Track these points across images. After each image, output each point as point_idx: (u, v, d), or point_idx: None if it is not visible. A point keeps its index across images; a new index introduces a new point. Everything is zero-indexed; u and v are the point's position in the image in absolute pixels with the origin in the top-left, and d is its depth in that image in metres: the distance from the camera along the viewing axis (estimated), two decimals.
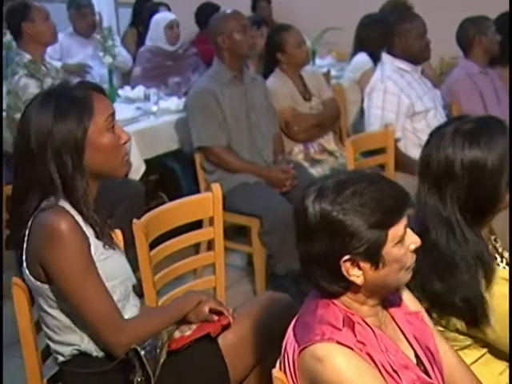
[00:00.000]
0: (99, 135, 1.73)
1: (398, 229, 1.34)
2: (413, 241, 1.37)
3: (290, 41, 3.76)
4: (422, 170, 1.63)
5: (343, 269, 1.35)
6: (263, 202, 3.30)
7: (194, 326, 1.86)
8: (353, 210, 1.31)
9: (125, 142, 1.80)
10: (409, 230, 1.37)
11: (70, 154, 1.70)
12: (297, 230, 1.38)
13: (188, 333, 1.84)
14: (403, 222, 1.35)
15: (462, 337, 1.62)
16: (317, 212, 1.33)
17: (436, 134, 1.63)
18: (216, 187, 2.37)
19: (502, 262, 1.66)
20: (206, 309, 1.87)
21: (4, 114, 3.66)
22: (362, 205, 1.32)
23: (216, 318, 1.87)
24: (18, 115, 3.35)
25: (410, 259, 1.38)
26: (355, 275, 1.35)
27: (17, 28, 3.50)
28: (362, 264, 1.35)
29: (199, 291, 2.02)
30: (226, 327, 1.88)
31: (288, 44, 3.76)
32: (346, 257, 1.34)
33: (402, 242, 1.35)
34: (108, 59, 4.13)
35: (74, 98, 1.72)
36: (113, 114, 1.77)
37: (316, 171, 3.73)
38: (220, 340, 1.87)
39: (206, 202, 2.35)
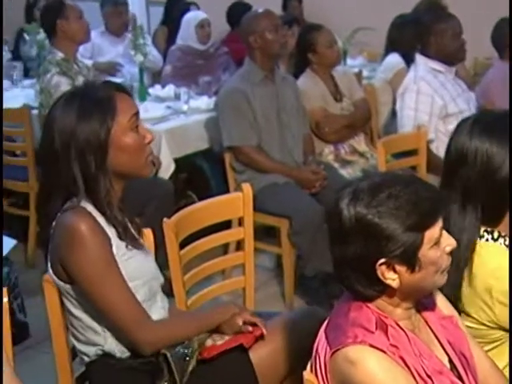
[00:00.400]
0: (123, 135, 1.74)
1: (433, 231, 1.33)
2: (448, 243, 1.37)
3: (322, 41, 3.75)
4: (444, 159, 1.68)
5: (379, 272, 1.34)
6: (293, 203, 3.29)
7: (226, 337, 1.86)
8: (388, 213, 1.31)
9: (149, 142, 1.80)
10: (444, 232, 1.36)
11: (93, 154, 1.71)
12: (330, 232, 1.38)
13: (220, 342, 1.84)
14: (439, 224, 1.34)
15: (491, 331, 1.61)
16: (352, 215, 1.33)
17: (459, 124, 1.68)
18: (247, 187, 2.37)
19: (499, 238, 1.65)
20: (240, 321, 1.86)
21: (36, 111, 3.71)
22: (397, 208, 1.31)
23: (250, 328, 1.86)
24: None
25: (446, 261, 1.37)
26: (391, 278, 1.34)
27: (51, 25, 3.53)
28: (397, 267, 1.34)
29: (233, 303, 2.01)
30: (258, 338, 1.87)
31: (319, 44, 3.75)
32: (382, 260, 1.33)
33: (438, 244, 1.35)
34: (139, 58, 4.15)
35: (98, 98, 1.73)
36: (136, 114, 1.78)
37: (346, 172, 3.72)
38: (251, 351, 1.86)
39: (237, 202, 2.35)
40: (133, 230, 1.83)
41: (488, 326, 1.62)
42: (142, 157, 1.79)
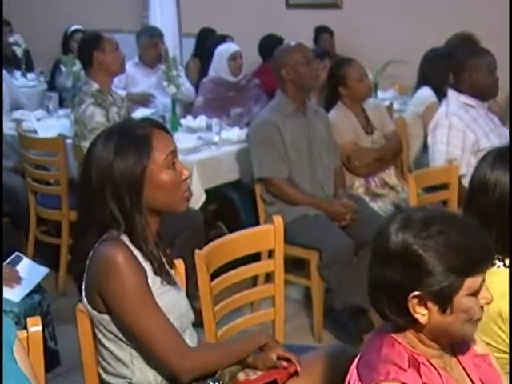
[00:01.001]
0: (159, 173, 1.76)
1: (475, 280, 1.32)
2: (485, 297, 1.35)
3: (352, 75, 3.77)
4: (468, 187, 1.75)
5: (410, 304, 1.33)
6: (323, 235, 3.30)
7: (259, 372, 1.85)
8: (434, 248, 1.31)
9: (185, 179, 1.82)
10: (484, 285, 1.35)
11: (129, 192, 1.73)
12: (374, 252, 1.38)
13: (253, 377, 1.83)
14: (482, 275, 1.33)
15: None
16: (399, 241, 1.33)
17: (484, 155, 1.77)
18: (278, 219, 2.38)
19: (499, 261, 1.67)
20: (274, 356, 1.86)
21: (70, 141, 3.78)
22: (445, 246, 1.31)
23: (285, 364, 1.85)
24: (84, 143, 3.46)
25: (478, 314, 1.36)
26: (420, 313, 1.34)
27: (88, 57, 3.60)
28: (429, 304, 1.33)
29: (264, 332, 2.01)
30: (292, 375, 1.86)
31: (350, 78, 3.77)
32: (416, 292, 1.33)
33: (476, 295, 1.34)
34: (172, 89, 4.21)
35: (135, 136, 1.75)
36: (174, 152, 1.80)
37: (377, 205, 3.71)
38: None
39: (268, 234, 2.36)
40: (167, 265, 1.84)
41: (506, 352, 1.61)
42: (177, 193, 1.81)
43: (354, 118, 3.83)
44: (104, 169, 1.72)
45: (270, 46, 5.22)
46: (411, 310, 1.34)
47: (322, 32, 6.28)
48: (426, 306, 1.34)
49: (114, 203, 1.72)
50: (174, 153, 1.80)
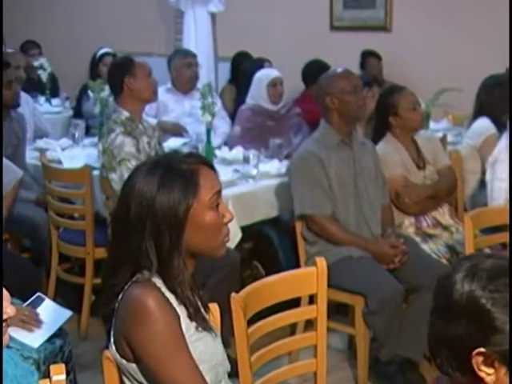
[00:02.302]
0: (202, 213, 1.77)
1: None
2: None
3: (404, 103, 3.79)
4: None
5: (474, 361, 1.31)
6: (369, 279, 3.28)
7: None
8: (504, 303, 1.28)
9: (227, 222, 1.83)
10: None
11: (169, 231, 1.74)
12: (435, 302, 1.36)
13: None
14: None
15: None
16: (464, 292, 1.31)
17: None
18: (321, 261, 2.38)
19: None
20: None
21: (97, 172, 3.84)
22: None
23: None
24: (112, 175, 3.52)
25: None
26: (486, 372, 1.31)
27: (118, 83, 3.65)
28: (496, 364, 1.30)
29: None
30: None
31: (401, 107, 3.78)
32: (481, 349, 1.30)
33: None
34: (207, 117, 4.26)
35: (182, 171, 1.77)
36: (219, 192, 1.81)
37: (428, 247, 3.69)
38: None
39: (310, 277, 2.36)
40: (202, 310, 1.85)
41: None
42: (218, 237, 1.82)
43: (405, 150, 3.83)
44: (145, 203, 1.73)
45: (313, 71, 5.27)
46: (475, 367, 1.31)
47: (369, 56, 6.33)
48: (492, 365, 1.31)
49: (151, 241, 1.74)
50: (219, 193, 1.82)
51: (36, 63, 6.47)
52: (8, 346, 1.50)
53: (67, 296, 4.00)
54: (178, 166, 1.78)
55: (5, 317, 1.37)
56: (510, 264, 1.44)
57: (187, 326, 1.77)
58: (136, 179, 1.78)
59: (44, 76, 6.42)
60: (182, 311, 1.77)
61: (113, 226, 1.84)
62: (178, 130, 5.24)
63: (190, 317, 1.78)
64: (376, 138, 3.88)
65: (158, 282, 1.76)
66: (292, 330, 3.50)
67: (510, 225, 3.20)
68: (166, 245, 1.74)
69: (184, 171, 1.77)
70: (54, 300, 2.89)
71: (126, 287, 1.76)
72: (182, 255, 1.76)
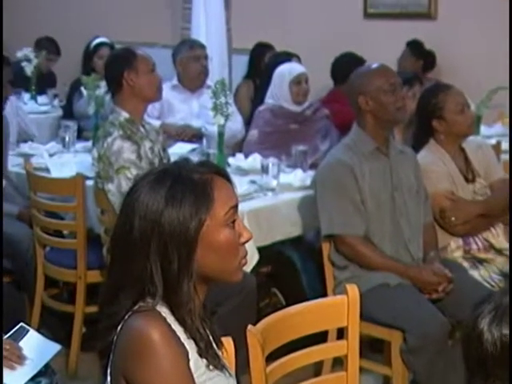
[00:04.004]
0: (216, 231, 1.77)
1: None
2: None
3: (450, 105, 3.79)
4: None
5: None
6: (408, 311, 3.28)
7: None
8: None
9: (245, 242, 1.82)
10: None
11: (178, 250, 1.74)
12: (467, 361, 1.37)
13: None
14: None
15: None
16: (496, 339, 1.32)
17: None
18: (352, 289, 2.38)
19: None
20: None
21: (90, 182, 3.87)
22: None
23: None
24: (108, 186, 3.54)
25: None
26: None
27: (116, 78, 3.67)
28: None
29: None
30: None
31: (447, 109, 3.78)
32: None
33: None
34: (219, 120, 4.28)
35: (193, 182, 1.77)
36: (236, 206, 1.81)
37: (479, 274, 3.68)
38: None
39: (340, 308, 2.36)
40: (214, 345, 1.86)
41: None
42: (235, 260, 1.81)
43: (451, 160, 3.83)
44: (151, 219, 1.74)
45: (344, 67, 5.28)
46: None
47: (415, 49, 6.33)
48: None
49: (157, 263, 1.74)
50: (235, 208, 1.81)
51: (19, 54, 6.52)
52: None
53: (54, 327, 4.03)
54: (188, 176, 1.78)
55: None
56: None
57: (196, 363, 1.78)
58: (140, 191, 1.78)
59: (29, 69, 6.47)
60: (190, 346, 1.77)
61: (112, 245, 1.84)
62: (184, 135, 5.25)
63: (201, 353, 1.78)
64: (417, 145, 3.88)
65: (164, 311, 1.77)
66: (317, 369, 3.50)
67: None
68: (174, 267, 1.74)
69: (196, 182, 1.77)
70: (39, 331, 2.90)
71: (127, 317, 1.77)
72: (193, 279, 1.77)
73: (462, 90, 3.91)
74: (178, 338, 1.75)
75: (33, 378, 2.57)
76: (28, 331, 2.73)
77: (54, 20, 8.35)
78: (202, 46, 5.59)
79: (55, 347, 2.74)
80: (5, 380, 2.48)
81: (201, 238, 1.76)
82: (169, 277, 1.75)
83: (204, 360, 1.79)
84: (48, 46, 7.13)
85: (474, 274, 3.67)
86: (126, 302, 1.77)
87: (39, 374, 2.59)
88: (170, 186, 1.76)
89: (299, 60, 5.62)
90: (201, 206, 1.75)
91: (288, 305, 3.01)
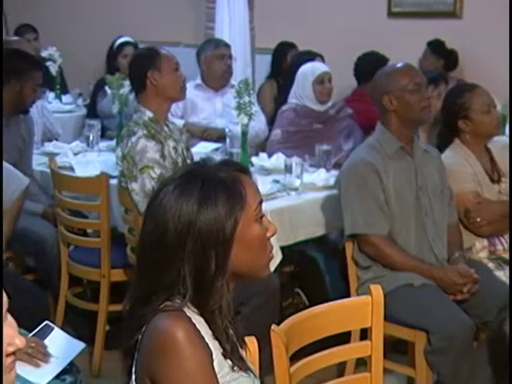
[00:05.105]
0: (248, 227, 1.80)
1: None
2: None
3: (476, 104, 3.77)
4: None
5: None
6: (432, 312, 3.27)
7: None
8: None
9: (271, 236, 1.86)
10: None
11: (216, 249, 1.76)
12: (494, 364, 1.36)
13: None
14: None
15: None
16: None
17: None
18: (376, 289, 2.38)
19: None
20: None
21: (114, 181, 3.88)
22: None
23: None
24: (132, 185, 3.55)
25: None
26: None
27: (140, 78, 3.69)
28: None
29: None
30: None
31: (472, 109, 3.77)
32: None
33: None
34: (243, 119, 4.29)
35: (223, 181, 1.79)
36: (261, 202, 1.85)
37: (504, 275, 3.66)
38: None
39: (364, 308, 2.35)
40: (239, 347, 1.86)
41: None
42: (265, 254, 1.85)
43: (476, 160, 3.81)
44: (186, 221, 1.75)
45: (368, 66, 5.27)
46: None
47: (437, 49, 6.31)
48: None
49: (191, 264, 1.75)
50: (261, 203, 1.85)
51: (44, 53, 6.56)
52: None
53: (78, 325, 4.05)
54: (217, 175, 1.81)
55: (12, 349, 1.39)
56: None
57: (220, 364, 1.78)
58: (169, 194, 1.79)
59: (53, 69, 6.51)
60: (214, 346, 1.78)
61: (142, 251, 1.84)
62: (207, 135, 5.25)
63: (225, 354, 1.79)
64: (442, 145, 3.87)
65: (190, 311, 1.77)
66: (339, 370, 3.49)
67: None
68: (211, 266, 1.76)
69: (226, 180, 1.80)
70: (63, 329, 2.92)
71: (151, 316, 1.77)
72: (227, 278, 1.78)
73: (487, 90, 3.89)
74: (203, 338, 1.75)
75: (57, 376, 2.58)
76: (53, 329, 2.75)
77: (79, 19, 8.39)
78: (227, 45, 5.60)
79: (80, 345, 2.75)
80: (30, 377, 2.50)
81: (236, 236, 1.78)
82: (204, 277, 1.77)
83: (229, 361, 1.80)
84: (27, 32, 7.17)
85: (500, 274, 3.65)
86: (156, 303, 1.78)
87: (64, 371, 2.61)
88: (201, 186, 1.78)
89: (322, 59, 5.61)
90: (235, 204, 1.78)
91: (311, 305, 3.02)
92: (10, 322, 1.42)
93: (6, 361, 1.39)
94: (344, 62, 5.86)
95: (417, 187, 3.52)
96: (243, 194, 1.79)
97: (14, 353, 1.39)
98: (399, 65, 3.56)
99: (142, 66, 3.71)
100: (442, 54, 6.38)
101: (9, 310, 1.43)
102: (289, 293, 4.26)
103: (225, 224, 1.76)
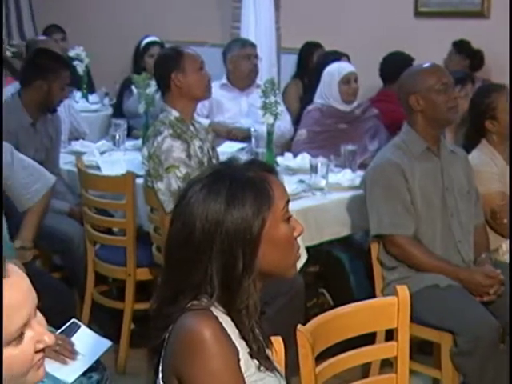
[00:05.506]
0: (276, 227, 1.80)
1: None
2: None
3: (503, 104, 3.76)
4: None
5: None
6: (459, 313, 3.25)
7: None
8: None
9: (298, 235, 1.86)
10: None
11: (243, 249, 1.77)
12: None
13: None
14: None
15: None
16: None
17: None
18: (403, 289, 2.37)
19: None
20: None
21: (140, 181, 3.90)
22: None
23: None
24: (158, 185, 3.57)
25: None
26: None
27: (165, 79, 3.70)
28: None
29: None
30: None
31: (500, 108, 3.75)
32: None
33: None
34: (269, 119, 4.29)
35: (250, 180, 1.80)
36: (288, 202, 1.85)
37: None
38: None
39: (390, 309, 2.35)
40: (266, 347, 1.86)
41: None
42: (292, 254, 1.86)
43: (503, 161, 3.79)
44: (213, 220, 1.76)
45: (394, 66, 5.25)
46: None
47: (462, 49, 6.27)
48: None
49: (219, 264, 1.76)
50: (288, 203, 1.85)
51: (71, 53, 6.60)
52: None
53: (103, 323, 4.07)
54: (244, 175, 1.81)
55: (42, 346, 1.41)
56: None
57: (247, 363, 1.78)
58: (197, 194, 1.80)
59: (80, 68, 6.55)
60: (241, 346, 1.78)
61: (169, 251, 1.85)
62: (232, 135, 5.26)
63: (252, 354, 1.79)
64: (468, 145, 3.85)
65: (216, 311, 1.78)
66: (364, 370, 3.48)
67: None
68: (238, 266, 1.77)
69: (253, 180, 1.80)
70: (89, 327, 2.93)
71: (178, 314, 1.78)
72: (253, 277, 1.79)
73: None
74: (229, 338, 1.76)
75: (84, 373, 2.60)
76: (80, 327, 2.76)
77: (106, 19, 8.43)
78: (253, 45, 5.61)
79: (106, 343, 2.77)
80: (57, 374, 2.51)
81: (264, 236, 1.79)
82: (231, 276, 1.77)
83: (255, 361, 1.80)
84: (54, 32, 7.22)
85: None
86: (183, 302, 1.79)
87: (90, 369, 2.63)
88: (228, 185, 1.79)
89: (348, 59, 5.60)
90: (262, 204, 1.79)
91: (335, 305, 3.01)
92: (39, 319, 1.43)
93: (35, 358, 1.40)
94: (370, 62, 5.83)
95: (443, 188, 3.51)
96: (271, 194, 1.80)
97: (43, 350, 1.41)
98: (426, 65, 3.54)
99: (165, 68, 3.72)
100: (467, 54, 6.35)
101: (37, 308, 1.44)
102: (313, 293, 4.26)
103: (252, 223, 1.77)
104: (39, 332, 1.40)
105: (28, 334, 1.39)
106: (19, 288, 1.39)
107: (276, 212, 1.80)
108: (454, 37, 6.36)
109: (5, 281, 1.37)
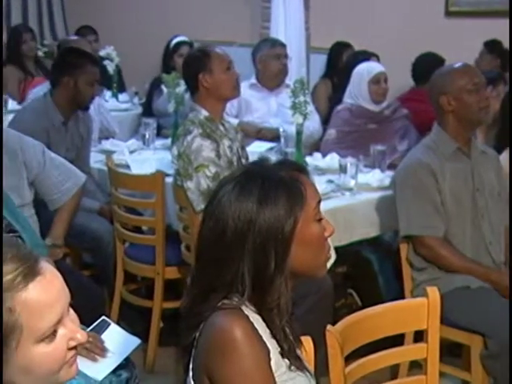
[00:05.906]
0: (308, 227, 1.81)
1: None
2: None
3: None
4: None
5: None
6: (489, 315, 3.23)
7: None
8: None
9: (329, 235, 1.86)
10: None
11: (275, 248, 1.77)
12: None
13: None
14: None
15: None
16: None
17: None
18: (433, 291, 2.36)
19: None
20: None
21: (169, 179, 3.91)
22: None
23: None
24: (187, 184, 3.57)
25: None
26: None
27: (193, 80, 3.72)
28: None
29: None
30: None
31: None
32: None
33: None
34: (298, 118, 4.29)
35: (283, 180, 1.80)
36: (320, 202, 1.85)
37: None
38: None
39: (420, 310, 2.34)
40: (296, 347, 1.86)
41: None
42: (323, 254, 1.86)
43: None
44: (246, 219, 1.76)
45: (425, 66, 5.24)
46: None
47: (493, 49, 6.23)
48: None
49: (251, 263, 1.76)
50: (320, 203, 1.86)
51: (102, 53, 6.64)
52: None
53: (132, 321, 4.08)
54: (277, 174, 1.82)
55: (74, 343, 1.41)
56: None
57: (277, 362, 1.78)
58: (229, 193, 1.80)
59: (111, 68, 6.58)
60: (272, 345, 1.78)
61: (201, 250, 1.85)
62: (261, 135, 5.26)
63: (283, 353, 1.79)
64: (499, 146, 3.83)
65: (247, 310, 1.78)
66: (392, 372, 3.47)
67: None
68: (270, 265, 1.77)
69: (286, 180, 1.80)
70: (118, 325, 2.94)
71: (208, 313, 1.78)
72: (284, 276, 1.79)
73: None
74: (260, 337, 1.76)
75: (114, 371, 2.60)
76: (109, 325, 2.77)
77: (136, 19, 8.47)
78: (283, 45, 5.61)
79: (136, 341, 2.77)
80: (87, 371, 2.52)
81: (296, 235, 1.79)
82: (263, 275, 1.78)
83: (286, 360, 1.80)
84: (87, 33, 7.26)
85: None
86: (214, 301, 1.79)
87: (120, 366, 2.63)
88: (261, 185, 1.79)
89: (378, 59, 5.59)
90: (295, 204, 1.79)
91: (364, 306, 3.00)
92: (72, 316, 1.44)
93: (68, 355, 1.41)
94: (399, 62, 5.81)
95: (473, 189, 3.48)
96: (303, 194, 1.80)
97: (75, 347, 1.41)
98: (457, 65, 3.51)
99: (193, 69, 3.73)
100: (498, 54, 6.30)
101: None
102: (342, 293, 4.25)
103: (285, 223, 1.77)
104: (72, 329, 1.41)
105: (61, 331, 1.40)
106: (53, 286, 1.40)
107: (308, 212, 1.80)
108: (485, 36, 6.31)
109: (39, 279, 1.38)
